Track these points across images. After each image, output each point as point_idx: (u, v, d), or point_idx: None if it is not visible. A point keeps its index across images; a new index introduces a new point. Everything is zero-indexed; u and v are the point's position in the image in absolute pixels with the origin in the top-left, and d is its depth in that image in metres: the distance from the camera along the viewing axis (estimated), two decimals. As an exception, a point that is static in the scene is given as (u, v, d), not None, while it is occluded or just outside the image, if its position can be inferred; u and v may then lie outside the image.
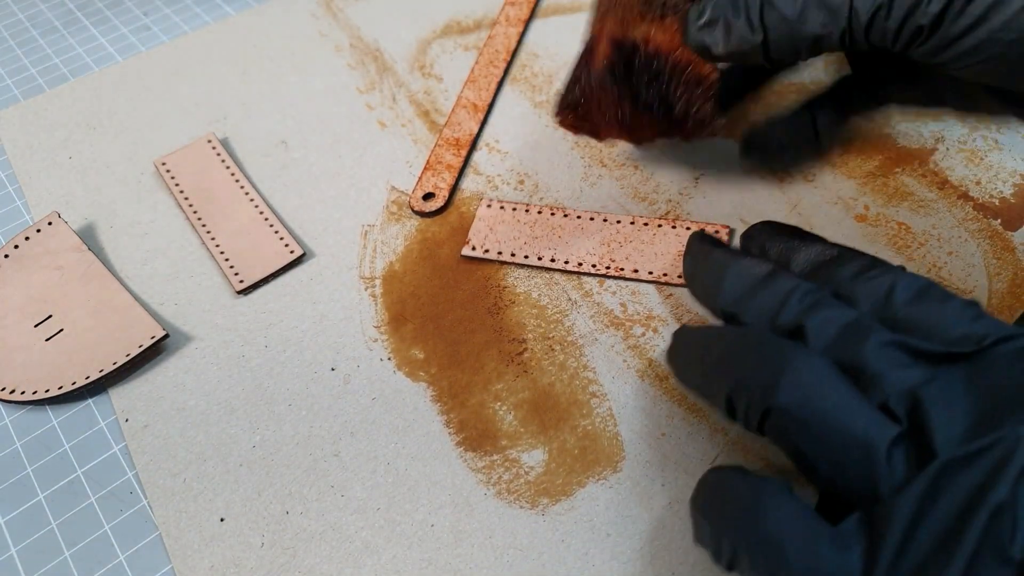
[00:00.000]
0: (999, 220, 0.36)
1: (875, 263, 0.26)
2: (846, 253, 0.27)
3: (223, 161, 0.42)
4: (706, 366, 0.25)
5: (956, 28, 0.28)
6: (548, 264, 0.36)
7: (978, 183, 0.38)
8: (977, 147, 0.39)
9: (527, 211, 0.38)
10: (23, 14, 0.54)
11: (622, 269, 0.35)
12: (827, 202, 0.37)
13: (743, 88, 0.40)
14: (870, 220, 0.36)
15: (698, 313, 0.34)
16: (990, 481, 0.18)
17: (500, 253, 0.36)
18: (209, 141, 0.43)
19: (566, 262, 0.36)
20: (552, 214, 0.37)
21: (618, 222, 0.37)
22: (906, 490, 0.19)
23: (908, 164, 0.39)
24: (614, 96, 0.33)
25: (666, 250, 0.35)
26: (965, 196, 0.37)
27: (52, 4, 0.55)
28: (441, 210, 0.39)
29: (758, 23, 0.30)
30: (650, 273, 0.35)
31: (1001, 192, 0.37)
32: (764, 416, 0.22)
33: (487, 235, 0.37)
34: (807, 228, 0.36)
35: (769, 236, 0.29)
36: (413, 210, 0.39)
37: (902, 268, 0.25)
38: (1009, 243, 0.35)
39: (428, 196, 0.39)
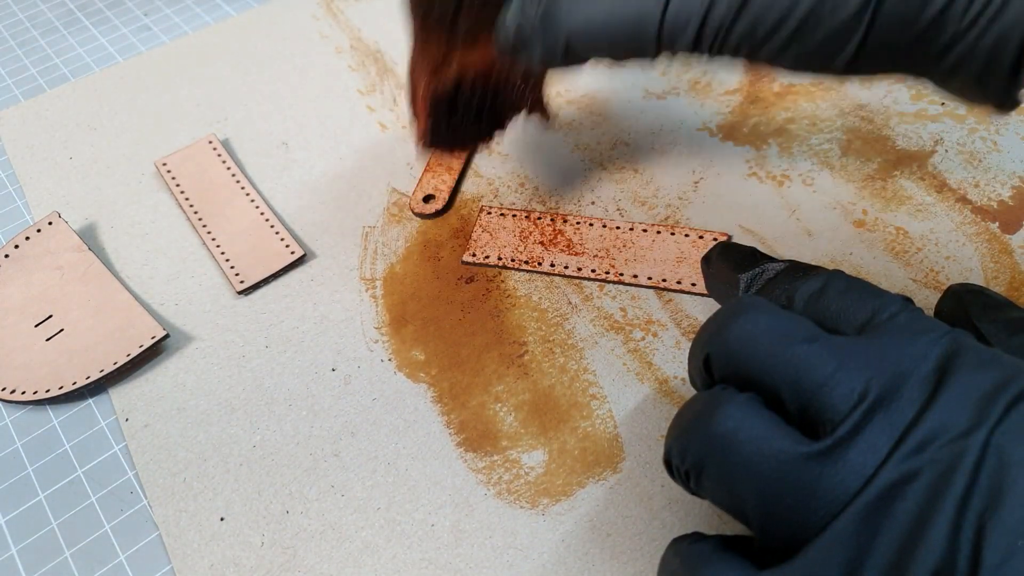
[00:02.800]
0: (997, 223, 0.36)
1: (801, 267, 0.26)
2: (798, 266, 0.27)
3: (224, 162, 0.42)
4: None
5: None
6: (548, 269, 0.36)
7: (977, 186, 0.38)
8: (976, 149, 0.39)
9: (527, 217, 0.38)
10: (23, 14, 0.54)
11: (621, 274, 0.35)
12: (825, 206, 0.38)
13: None
14: (868, 225, 0.37)
15: (697, 318, 0.34)
16: (924, 517, 0.18)
17: (500, 259, 0.36)
18: (210, 142, 0.43)
19: (566, 267, 0.36)
20: (552, 220, 0.38)
21: (617, 228, 0.37)
22: (836, 532, 0.19)
23: (907, 166, 0.39)
24: (457, 123, 0.34)
25: (665, 256, 0.36)
26: (963, 199, 0.37)
27: (52, 4, 0.55)
28: (441, 212, 0.39)
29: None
30: (649, 279, 0.35)
31: (999, 195, 0.37)
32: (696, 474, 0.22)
33: (488, 242, 0.37)
34: (806, 234, 0.37)
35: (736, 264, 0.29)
36: (413, 212, 0.39)
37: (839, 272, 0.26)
38: (1007, 246, 0.35)
39: (428, 198, 0.39)
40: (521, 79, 0.33)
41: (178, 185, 0.41)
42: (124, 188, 0.41)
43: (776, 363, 0.21)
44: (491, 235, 0.37)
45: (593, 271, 0.35)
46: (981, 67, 0.24)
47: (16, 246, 0.38)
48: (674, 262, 0.35)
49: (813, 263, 0.35)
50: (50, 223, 0.38)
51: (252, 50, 0.49)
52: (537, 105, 0.35)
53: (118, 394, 0.33)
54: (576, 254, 0.36)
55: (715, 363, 0.23)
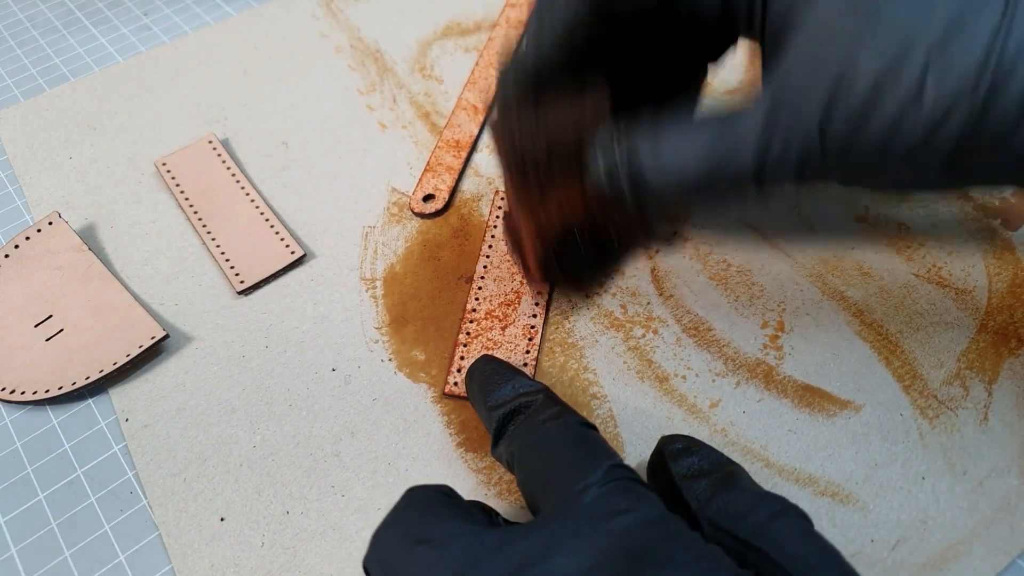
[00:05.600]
0: (999, 220, 0.36)
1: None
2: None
3: (224, 162, 0.42)
4: None
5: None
6: (478, 266, 0.36)
7: (978, 184, 0.38)
8: (977, 148, 0.39)
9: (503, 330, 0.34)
10: (23, 14, 0.54)
11: (467, 334, 0.34)
12: (827, 202, 0.37)
13: None
14: (870, 220, 0.36)
15: (698, 314, 0.34)
16: None
17: (494, 226, 0.37)
18: (210, 142, 0.43)
19: (480, 288, 0.35)
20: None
21: (536, 304, 0.34)
22: None
23: (908, 165, 0.39)
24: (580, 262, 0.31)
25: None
26: (965, 196, 0.37)
27: (52, 4, 0.55)
28: (441, 212, 0.39)
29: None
30: (461, 359, 0.33)
31: (1001, 192, 0.37)
32: None
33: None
34: (807, 229, 0.36)
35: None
36: (413, 212, 0.39)
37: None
38: (1009, 243, 0.35)
39: (428, 198, 0.39)
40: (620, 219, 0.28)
41: (178, 185, 0.41)
42: (124, 188, 0.41)
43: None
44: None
45: (473, 311, 0.34)
46: None
47: (16, 246, 0.38)
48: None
49: (814, 257, 0.35)
50: (50, 223, 0.38)
51: (252, 50, 0.49)
52: (656, 234, 0.31)
53: (118, 394, 0.33)
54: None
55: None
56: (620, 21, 0.27)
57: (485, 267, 0.36)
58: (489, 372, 0.29)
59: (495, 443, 0.27)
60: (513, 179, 0.28)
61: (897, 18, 0.21)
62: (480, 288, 0.35)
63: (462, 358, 0.33)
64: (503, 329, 0.34)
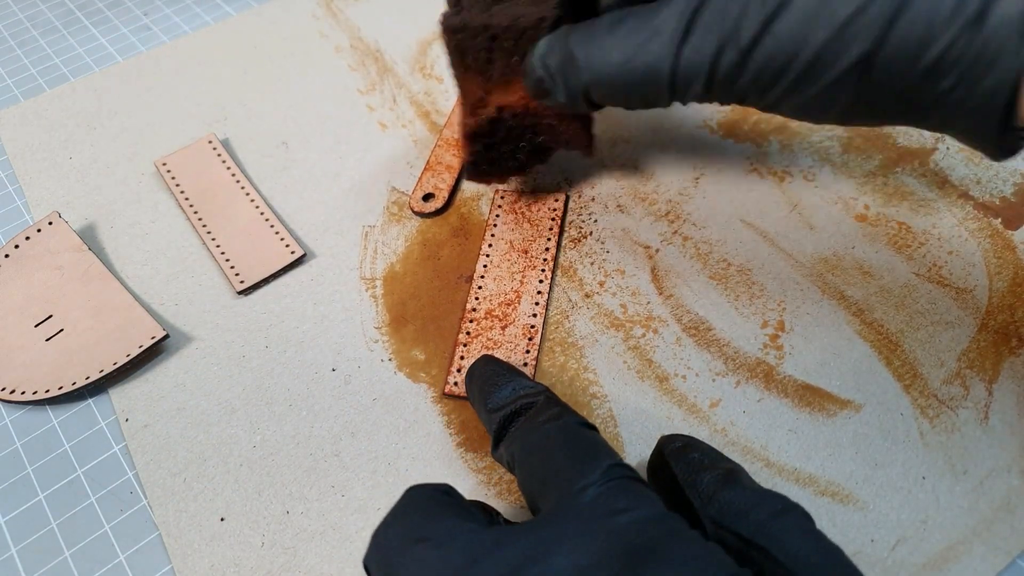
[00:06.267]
0: (999, 219, 0.36)
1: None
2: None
3: (224, 162, 0.42)
4: None
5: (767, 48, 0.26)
6: (478, 266, 0.36)
7: (979, 182, 0.38)
8: (977, 147, 0.39)
9: (547, 229, 0.37)
10: (23, 14, 0.54)
11: (467, 334, 0.34)
12: (827, 202, 0.37)
13: None
14: (870, 219, 0.36)
15: (698, 314, 0.34)
16: None
17: (495, 226, 0.38)
18: (210, 142, 0.43)
19: (480, 288, 0.35)
20: (547, 249, 0.36)
21: (536, 303, 0.34)
22: None
23: (908, 163, 0.39)
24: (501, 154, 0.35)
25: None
26: (965, 195, 0.37)
27: (52, 4, 0.55)
28: (441, 211, 0.39)
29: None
30: (461, 359, 0.33)
31: (1001, 191, 0.37)
32: None
33: (513, 205, 0.38)
34: (807, 228, 0.36)
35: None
36: (413, 211, 0.39)
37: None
38: (1009, 242, 0.35)
39: (428, 197, 0.39)
40: (556, 116, 0.33)
41: (178, 185, 0.41)
42: (124, 188, 0.41)
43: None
44: (521, 211, 0.38)
45: (473, 310, 0.34)
46: (971, 121, 0.24)
47: (16, 246, 0.38)
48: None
49: (815, 257, 0.35)
50: (50, 223, 0.38)
51: (251, 49, 0.49)
52: (577, 139, 0.34)
53: (118, 394, 0.33)
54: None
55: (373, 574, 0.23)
56: None
57: (485, 267, 0.36)
58: (489, 373, 0.29)
59: (495, 445, 0.27)
60: (459, 76, 0.33)
61: None
62: (480, 288, 0.35)
63: (462, 358, 0.33)
64: (503, 329, 0.34)
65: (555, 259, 0.36)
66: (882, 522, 0.28)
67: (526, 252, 0.36)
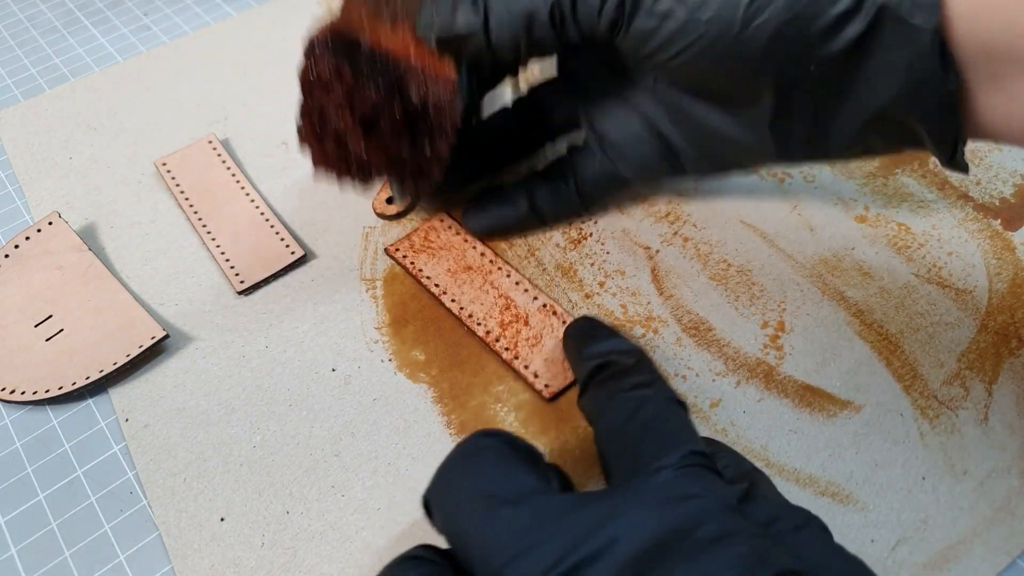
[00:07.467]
0: (999, 220, 0.36)
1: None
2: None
3: (224, 162, 0.42)
4: None
5: (656, 8, 0.27)
6: (451, 306, 0.34)
7: (978, 183, 0.38)
8: (977, 147, 0.39)
9: (465, 240, 0.37)
10: (23, 14, 0.54)
11: (507, 350, 0.33)
12: (827, 203, 0.37)
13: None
14: (870, 220, 0.36)
15: (698, 314, 0.34)
16: None
17: (421, 271, 0.36)
18: (210, 142, 0.43)
19: (470, 316, 0.34)
20: (482, 254, 0.36)
21: (525, 291, 0.35)
22: None
23: (908, 165, 0.39)
24: (346, 103, 0.30)
25: (554, 355, 0.33)
26: (965, 196, 0.37)
27: (52, 4, 0.55)
28: (404, 213, 0.38)
29: (481, 3, 0.29)
30: (526, 367, 0.32)
31: (1001, 192, 0.37)
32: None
33: (420, 248, 0.37)
34: (807, 229, 0.36)
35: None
36: (376, 213, 0.39)
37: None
38: (1009, 243, 0.35)
39: (392, 199, 0.39)
40: (428, 115, 0.30)
41: (178, 185, 0.41)
42: (124, 188, 0.41)
43: (469, 530, 0.21)
44: (426, 238, 0.36)
45: (488, 332, 0.33)
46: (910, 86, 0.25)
47: (16, 246, 0.38)
48: (560, 362, 0.32)
49: (815, 257, 0.35)
50: (50, 223, 0.38)
51: (252, 50, 0.49)
52: (432, 162, 0.31)
53: (118, 394, 0.33)
54: (481, 304, 0.34)
55: (434, 514, 0.23)
56: None
57: (454, 300, 0.35)
58: (588, 327, 0.30)
59: (582, 393, 0.27)
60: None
61: None
62: (471, 316, 0.34)
63: (526, 366, 0.32)
64: (527, 323, 0.34)
65: (493, 250, 0.36)
66: (882, 522, 0.28)
67: (470, 268, 0.36)
